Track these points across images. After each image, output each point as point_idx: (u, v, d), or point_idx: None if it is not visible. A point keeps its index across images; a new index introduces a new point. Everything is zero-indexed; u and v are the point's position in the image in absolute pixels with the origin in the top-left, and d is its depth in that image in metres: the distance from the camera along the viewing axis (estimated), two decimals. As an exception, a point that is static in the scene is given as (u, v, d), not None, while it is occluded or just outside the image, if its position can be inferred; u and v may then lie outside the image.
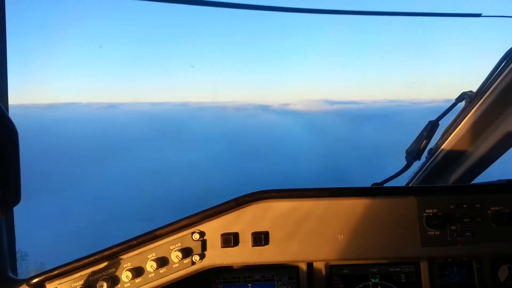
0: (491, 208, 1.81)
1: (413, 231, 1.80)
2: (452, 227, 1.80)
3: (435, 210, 1.80)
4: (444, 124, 2.40)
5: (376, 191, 1.84)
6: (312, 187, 1.83)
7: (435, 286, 1.87)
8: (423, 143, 2.42)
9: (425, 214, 1.80)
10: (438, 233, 1.80)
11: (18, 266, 1.84)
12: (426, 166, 2.55)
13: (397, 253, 1.79)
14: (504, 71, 2.03)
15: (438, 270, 1.89)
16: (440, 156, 2.42)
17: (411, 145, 2.50)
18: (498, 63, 2.07)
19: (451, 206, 1.81)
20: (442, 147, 2.39)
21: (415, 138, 2.47)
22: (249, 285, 1.90)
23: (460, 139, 2.28)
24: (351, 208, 1.80)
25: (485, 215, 1.81)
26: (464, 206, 1.81)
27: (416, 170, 2.62)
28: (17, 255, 1.85)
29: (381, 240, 1.79)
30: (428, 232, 1.79)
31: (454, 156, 2.37)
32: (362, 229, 1.79)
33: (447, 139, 2.35)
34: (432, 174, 2.52)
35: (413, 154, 2.48)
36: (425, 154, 2.51)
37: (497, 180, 1.95)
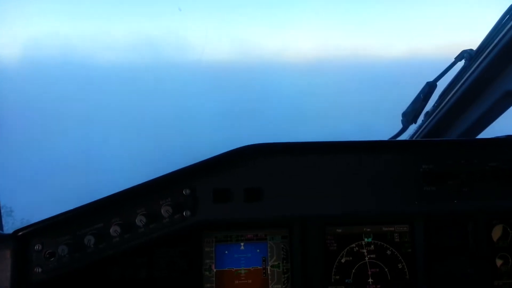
0: (489, 164, 1.78)
1: (409, 186, 1.76)
2: (449, 183, 1.77)
3: (432, 166, 1.77)
4: (442, 85, 2.36)
5: (373, 145, 1.80)
6: (306, 141, 1.79)
7: (428, 245, 1.85)
8: (419, 105, 2.38)
9: (421, 170, 1.76)
10: (435, 189, 1.76)
11: (3, 222, 1.79)
12: (422, 129, 2.51)
13: (393, 208, 1.77)
14: (505, 28, 1.97)
15: (432, 229, 1.87)
16: (437, 118, 2.39)
17: (407, 107, 2.46)
18: (499, 19, 2.01)
19: (448, 162, 1.77)
20: (440, 108, 2.35)
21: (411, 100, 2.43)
22: (242, 244, 1.87)
23: (459, 100, 2.24)
24: (347, 163, 1.76)
25: (483, 171, 1.78)
26: (462, 161, 1.77)
27: (412, 133, 2.59)
28: (2, 211, 1.80)
29: (376, 195, 1.76)
30: (425, 188, 1.76)
31: (452, 118, 2.33)
32: (357, 184, 1.76)
33: (445, 100, 2.31)
34: (429, 137, 2.49)
35: (409, 116, 2.45)
36: (421, 117, 2.47)
37: (496, 136, 1.92)
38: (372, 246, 1.86)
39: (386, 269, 1.84)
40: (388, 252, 1.85)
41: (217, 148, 1.79)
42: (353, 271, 1.84)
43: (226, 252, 1.85)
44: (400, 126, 2.54)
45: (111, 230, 1.64)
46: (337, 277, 1.83)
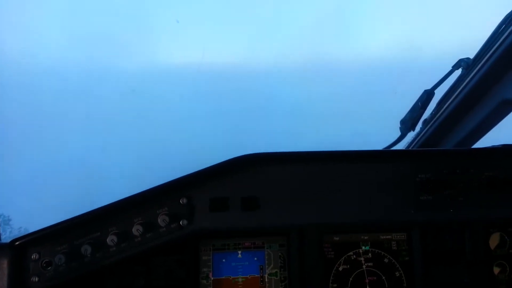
0: (485, 173, 1.78)
1: (406, 196, 1.76)
2: (445, 192, 1.77)
3: (428, 175, 1.77)
4: (439, 93, 2.37)
5: (369, 155, 1.81)
6: (303, 151, 1.79)
7: (426, 253, 1.85)
8: (417, 113, 2.38)
9: (418, 179, 1.77)
10: (431, 198, 1.76)
11: (1, 231, 1.79)
12: (420, 136, 2.52)
13: (389, 217, 1.77)
14: (501, 37, 1.98)
15: (429, 237, 1.87)
16: (435, 126, 2.39)
17: (405, 115, 2.47)
18: (496, 28, 2.02)
19: (444, 171, 1.78)
20: (438, 116, 2.35)
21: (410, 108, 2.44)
22: (239, 252, 1.87)
23: (456, 108, 2.24)
24: (343, 172, 1.77)
25: (479, 180, 1.78)
26: (458, 171, 1.78)
27: (410, 141, 2.59)
28: (0, 219, 1.80)
29: (373, 204, 1.76)
30: (421, 197, 1.76)
31: (449, 126, 2.34)
32: (354, 193, 1.76)
33: (442, 108, 2.31)
34: (427, 144, 2.49)
35: (407, 124, 2.46)
36: (419, 124, 2.48)
37: (492, 145, 1.92)
38: (370, 254, 1.86)
39: (383, 277, 1.84)
40: (386, 260, 1.85)
41: (214, 158, 1.80)
42: (351, 279, 1.83)
43: (224, 260, 1.85)
44: (398, 133, 2.55)
45: (108, 240, 1.64)
46: (335, 285, 1.83)
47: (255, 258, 1.86)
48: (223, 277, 1.84)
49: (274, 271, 1.86)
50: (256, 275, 1.85)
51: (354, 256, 1.85)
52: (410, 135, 2.55)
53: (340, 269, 1.84)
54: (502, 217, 1.82)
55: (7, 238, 1.72)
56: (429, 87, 2.35)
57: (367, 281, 1.84)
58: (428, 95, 2.33)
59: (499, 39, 1.98)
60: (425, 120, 2.49)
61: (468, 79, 2.13)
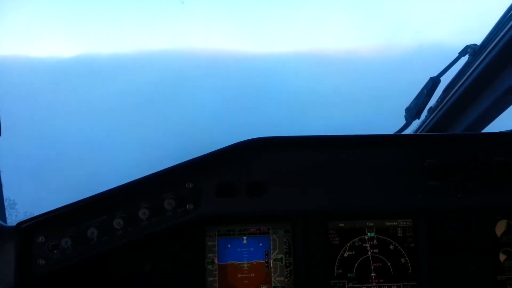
0: (494, 159, 1.75)
1: (413, 181, 1.74)
2: (454, 177, 1.74)
3: (436, 160, 1.75)
4: (445, 80, 2.35)
5: (377, 139, 1.79)
6: (309, 135, 1.78)
7: (431, 239, 1.84)
8: (423, 100, 2.37)
9: (426, 164, 1.74)
10: (439, 184, 1.74)
11: (7, 214, 1.79)
12: (425, 124, 2.50)
13: (396, 203, 1.75)
14: (509, 23, 1.96)
15: (435, 223, 1.86)
16: (440, 113, 2.37)
17: (411, 103, 2.45)
18: (503, 14, 2.00)
19: (453, 156, 1.75)
20: (443, 104, 2.33)
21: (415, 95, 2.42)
22: (245, 238, 1.87)
23: (463, 95, 2.22)
24: (350, 157, 1.75)
25: (487, 166, 1.75)
26: (466, 156, 1.75)
27: (415, 129, 2.57)
28: (6, 203, 1.80)
29: (379, 190, 1.74)
30: (429, 182, 1.74)
31: (455, 114, 2.32)
32: (360, 179, 1.74)
33: (448, 95, 2.29)
34: (433, 132, 2.47)
35: (412, 112, 2.44)
36: (425, 112, 2.46)
37: (500, 131, 1.91)
38: (375, 241, 1.86)
39: (388, 264, 1.84)
40: (391, 246, 1.85)
41: (220, 142, 1.79)
42: (356, 265, 1.84)
43: (229, 245, 1.86)
44: (403, 121, 2.53)
45: (114, 223, 1.64)
46: (340, 271, 1.83)
47: (260, 244, 1.87)
48: (229, 262, 1.84)
49: (279, 256, 1.86)
50: (262, 261, 1.85)
51: (360, 243, 1.85)
52: (416, 123, 2.54)
53: (346, 255, 1.84)
54: (509, 204, 1.80)
55: (12, 222, 1.73)
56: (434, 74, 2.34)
57: (372, 267, 1.84)
58: (434, 82, 2.31)
59: (507, 25, 1.96)
60: (430, 108, 2.47)
61: (475, 65, 2.11)
